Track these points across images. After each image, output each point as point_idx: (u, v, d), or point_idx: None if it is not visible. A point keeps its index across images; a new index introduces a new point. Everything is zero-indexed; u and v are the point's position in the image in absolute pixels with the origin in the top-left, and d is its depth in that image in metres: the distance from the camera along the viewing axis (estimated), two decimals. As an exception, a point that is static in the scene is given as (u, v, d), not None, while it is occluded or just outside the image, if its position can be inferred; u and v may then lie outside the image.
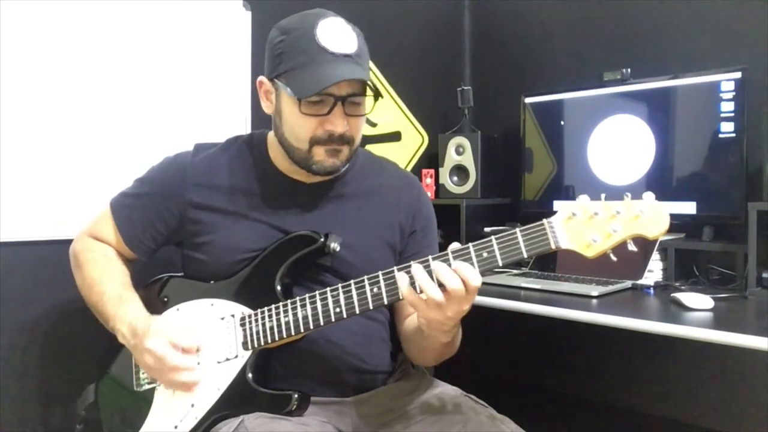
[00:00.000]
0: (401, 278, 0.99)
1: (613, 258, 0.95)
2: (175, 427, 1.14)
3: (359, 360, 1.20)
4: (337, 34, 1.10)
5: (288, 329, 1.10)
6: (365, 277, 1.05)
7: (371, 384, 1.23)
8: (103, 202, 1.31)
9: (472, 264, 0.97)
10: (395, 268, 1.03)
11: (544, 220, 0.96)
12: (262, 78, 1.19)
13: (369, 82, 1.12)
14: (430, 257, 0.99)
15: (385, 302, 1.03)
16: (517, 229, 0.97)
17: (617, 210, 0.93)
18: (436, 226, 1.35)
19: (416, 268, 0.98)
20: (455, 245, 1.00)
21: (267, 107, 1.20)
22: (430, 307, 0.98)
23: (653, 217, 0.91)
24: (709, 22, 1.84)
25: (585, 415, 2.09)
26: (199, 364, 1.14)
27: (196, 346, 1.13)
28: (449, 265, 0.97)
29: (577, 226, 0.95)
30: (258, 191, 1.22)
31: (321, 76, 1.07)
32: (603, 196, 0.95)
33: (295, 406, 1.10)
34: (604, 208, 0.94)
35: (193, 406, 1.14)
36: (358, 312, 1.05)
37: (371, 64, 2.21)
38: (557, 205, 2.03)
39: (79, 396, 1.30)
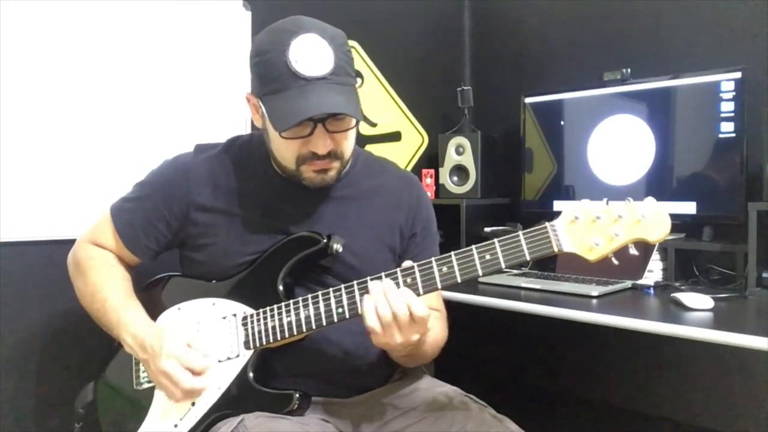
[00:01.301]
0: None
1: (615, 261, 0.95)
2: (175, 425, 1.14)
3: (359, 360, 1.20)
4: (310, 56, 1.05)
5: (290, 329, 1.10)
6: (368, 278, 1.05)
7: (371, 384, 1.23)
8: (103, 202, 1.30)
9: (475, 266, 0.99)
10: (398, 269, 1.03)
11: (547, 224, 0.97)
12: (248, 94, 1.17)
13: (345, 108, 1.06)
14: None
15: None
16: (520, 232, 0.98)
17: (619, 214, 0.93)
18: (436, 227, 1.34)
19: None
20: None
21: (257, 120, 1.18)
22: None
23: (655, 222, 0.92)
24: (709, 22, 1.84)
25: (585, 415, 2.09)
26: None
27: (208, 367, 1.14)
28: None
29: (580, 230, 0.95)
30: (259, 193, 1.22)
31: (294, 108, 1.04)
32: (605, 200, 0.95)
33: (296, 406, 1.10)
34: (606, 212, 0.94)
35: (193, 405, 1.14)
36: (360, 312, 1.05)
37: (369, 63, 2.24)
38: (557, 205, 2.04)
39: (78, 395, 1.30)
